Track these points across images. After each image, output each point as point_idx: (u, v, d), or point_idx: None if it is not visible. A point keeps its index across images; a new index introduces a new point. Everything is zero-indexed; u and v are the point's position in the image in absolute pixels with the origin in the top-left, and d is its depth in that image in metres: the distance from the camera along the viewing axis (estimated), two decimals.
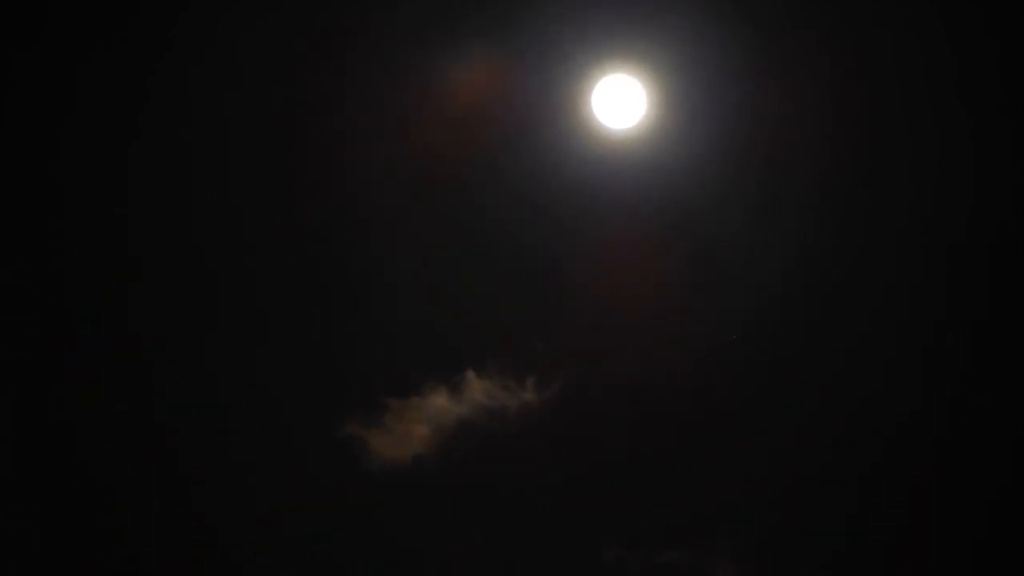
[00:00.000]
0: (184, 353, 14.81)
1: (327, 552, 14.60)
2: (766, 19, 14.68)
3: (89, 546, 14.29)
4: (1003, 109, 14.62)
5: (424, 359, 14.84)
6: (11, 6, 14.47)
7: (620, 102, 14.80)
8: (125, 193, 14.80)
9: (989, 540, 14.27)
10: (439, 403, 14.79)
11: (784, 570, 14.39)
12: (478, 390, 14.84)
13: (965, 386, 14.73)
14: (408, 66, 14.77)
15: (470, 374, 14.79)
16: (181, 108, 14.86)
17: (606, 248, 14.91)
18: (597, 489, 14.74)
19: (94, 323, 14.68)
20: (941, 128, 14.72)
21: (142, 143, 14.87)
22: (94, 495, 14.50)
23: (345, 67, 14.84)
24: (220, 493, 14.67)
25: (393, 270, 15.03)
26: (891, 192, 14.85)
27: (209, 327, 14.93)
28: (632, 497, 14.68)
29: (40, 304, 14.65)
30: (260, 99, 14.87)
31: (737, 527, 14.53)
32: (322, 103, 14.94)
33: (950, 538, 14.30)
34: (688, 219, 14.88)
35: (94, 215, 14.82)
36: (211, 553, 14.44)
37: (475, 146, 14.87)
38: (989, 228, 14.74)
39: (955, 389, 14.75)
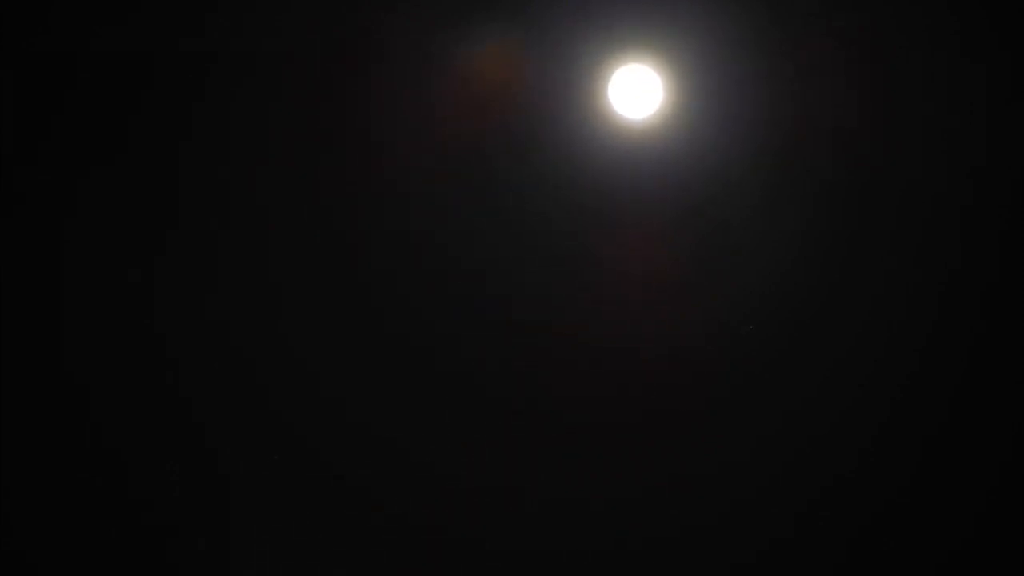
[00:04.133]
0: None
1: None
2: (786, 8, 14.46)
3: None
4: None
5: None
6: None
7: (637, 92, 14.59)
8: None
9: (982, 541, 14.05)
10: None
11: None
12: None
13: (968, 379, 14.53)
14: (422, 56, 14.52)
15: None
16: (185, 106, 14.58)
17: (624, 240, 14.69)
18: None
19: None
20: (962, 121, 14.49)
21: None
22: None
23: (351, 64, 14.59)
24: None
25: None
26: (907, 184, 14.64)
27: None
28: None
29: None
30: (266, 97, 14.61)
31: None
32: (328, 100, 14.70)
33: (945, 538, 14.09)
34: (705, 210, 14.65)
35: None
36: None
37: (489, 136, 14.65)
38: (1005, 220, 14.52)
39: (963, 379, 14.57)
